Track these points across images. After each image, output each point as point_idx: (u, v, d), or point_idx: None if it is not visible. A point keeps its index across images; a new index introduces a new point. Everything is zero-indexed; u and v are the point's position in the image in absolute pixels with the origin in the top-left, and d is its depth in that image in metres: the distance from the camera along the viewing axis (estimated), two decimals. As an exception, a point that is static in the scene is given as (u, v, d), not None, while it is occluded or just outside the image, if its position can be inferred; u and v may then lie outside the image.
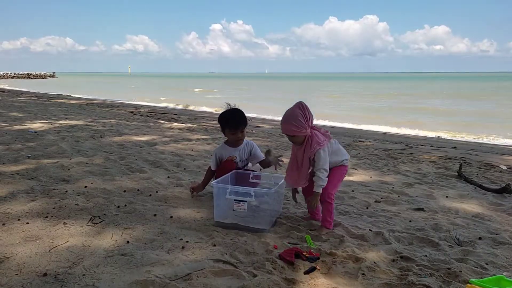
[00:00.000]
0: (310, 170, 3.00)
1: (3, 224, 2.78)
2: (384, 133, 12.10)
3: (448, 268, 2.34)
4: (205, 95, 32.84)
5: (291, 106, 2.95)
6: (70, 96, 25.35)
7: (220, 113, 3.52)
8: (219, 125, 3.57)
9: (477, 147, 9.15)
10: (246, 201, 2.89)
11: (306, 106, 2.91)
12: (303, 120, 2.86)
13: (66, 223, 2.84)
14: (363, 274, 2.27)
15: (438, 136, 11.91)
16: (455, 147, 8.56)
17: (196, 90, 41.88)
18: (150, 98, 25.61)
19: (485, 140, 11.42)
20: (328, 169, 2.92)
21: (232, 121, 3.41)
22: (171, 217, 3.07)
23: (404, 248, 2.67)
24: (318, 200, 2.92)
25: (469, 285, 1.93)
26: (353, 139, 8.98)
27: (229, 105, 3.52)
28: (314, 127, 2.98)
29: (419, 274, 2.26)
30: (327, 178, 2.90)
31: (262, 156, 3.60)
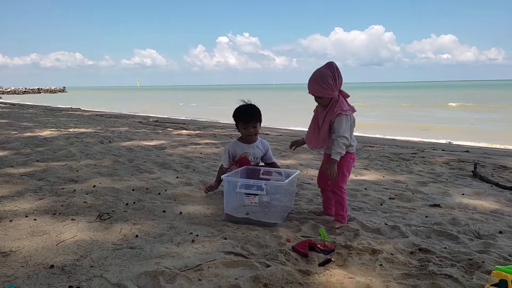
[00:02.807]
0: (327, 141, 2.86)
1: (10, 221, 2.74)
2: (394, 139, 11.96)
3: (470, 259, 2.24)
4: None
5: (321, 66, 2.82)
6: (80, 109, 25.55)
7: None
8: (234, 121, 3.49)
9: (490, 151, 8.98)
10: (257, 195, 2.82)
11: (336, 66, 2.78)
12: (331, 82, 2.74)
13: (74, 219, 2.79)
14: (381, 265, 2.17)
15: (450, 142, 11.73)
16: (467, 151, 8.41)
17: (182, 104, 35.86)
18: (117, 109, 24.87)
19: (498, 146, 11.20)
20: (349, 139, 2.78)
21: (245, 114, 3.36)
22: (181, 213, 3.01)
23: (422, 241, 2.56)
24: (335, 168, 2.74)
25: (494, 271, 1.83)
26: (363, 144, 8.86)
27: (245, 101, 3.46)
28: (343, 93, 2.86)
29: (440, 265, 2.16)
30: (345, 148, 2.77)
31: (273, 159, 3.61)
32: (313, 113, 3.04)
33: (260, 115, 3.40)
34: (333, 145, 2.77)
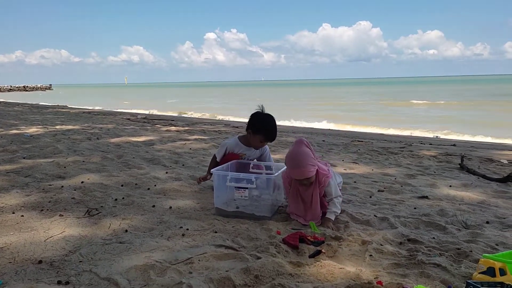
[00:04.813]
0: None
1: (-3, 217, 2.70)
2: (382, 134, 12.05)
3: (458, 249, 2.26)
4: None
5: (291, 147, 2.72)
6: (67, 106, 25.21)
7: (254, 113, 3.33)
8: (250, 121, 3.33)
9: (476, 145, 9.10)
10: (247, 188, 2.81)
11: (307, 141, 2.73)
12: (314, 156, 2.69)
13: (62, 215, 2.76)
14: (371, 255, 2.19)
15: (437, 136, 11.86)
16: (454, 145, 8.51)
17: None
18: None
19: (484, 139, 11.35)
20: (341, 195, 2.86)
21: (271, 134, 3.27)
22: (170, 207, 3.00)
23: (411, 232, 2.59)
24: (331, 225, 2.66)
25: (482, 259, 1.86)
26: (351, 139, 8.92)
27: (261, 108, 3.33)
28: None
29: (429, 254, 2.19)
30: (340, 206, 2.81)
31: (271, 160, 3.59)
32: (289, 187, 2.87)
33: None
34: (329, 205, 2.78)
